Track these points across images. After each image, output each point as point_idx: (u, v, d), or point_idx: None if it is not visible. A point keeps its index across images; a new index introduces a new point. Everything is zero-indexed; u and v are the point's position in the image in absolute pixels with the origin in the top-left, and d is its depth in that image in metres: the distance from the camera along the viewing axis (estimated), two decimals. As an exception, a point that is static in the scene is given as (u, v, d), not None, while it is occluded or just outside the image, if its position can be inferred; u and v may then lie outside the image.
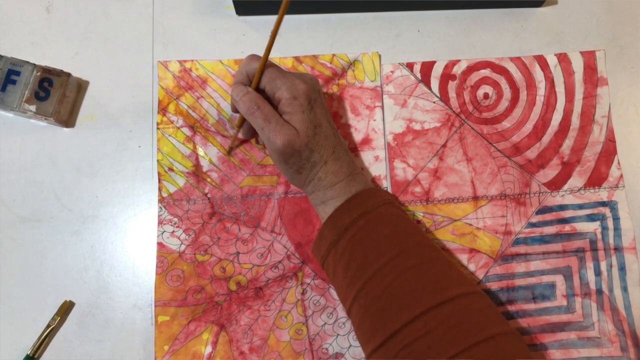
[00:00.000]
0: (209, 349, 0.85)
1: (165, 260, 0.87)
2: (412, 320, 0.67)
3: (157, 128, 0.92)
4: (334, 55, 0.95)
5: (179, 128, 0.92)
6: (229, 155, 0.91)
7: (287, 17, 0.95)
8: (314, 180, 0.80)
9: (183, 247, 0.88)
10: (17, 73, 0.87)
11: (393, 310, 0.69)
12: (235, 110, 0.87)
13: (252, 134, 0.91)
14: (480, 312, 0.70)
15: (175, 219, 0.89)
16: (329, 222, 0.78)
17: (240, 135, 0.90)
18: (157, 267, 0.87)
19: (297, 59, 0.95)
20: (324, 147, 0.78)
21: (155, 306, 0.86)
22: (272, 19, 0.86)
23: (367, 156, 0.92)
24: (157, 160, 0.91)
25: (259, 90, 0.80)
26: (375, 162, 0.91)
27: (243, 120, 0.86)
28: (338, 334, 0.86)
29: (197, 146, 0.92)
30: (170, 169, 0.91)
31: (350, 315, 0.75)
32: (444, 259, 0.75)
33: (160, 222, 0.89)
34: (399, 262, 0.71)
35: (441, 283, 0.71)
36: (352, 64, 0.95)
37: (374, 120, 0.93)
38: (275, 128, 0.75)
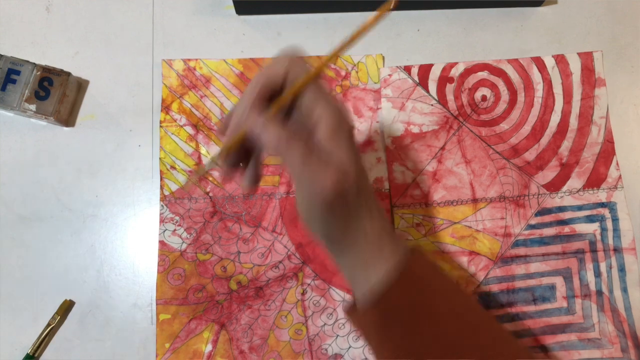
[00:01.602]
0: (209, 347, 0.83)
1: (167, 258, 0.86)
2: None
3: (160, 126, 0.90)
4: (338, 56, 0.91)
5: (182, 126, 0.90)
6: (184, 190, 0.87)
7: (286, 17, 0.94)
8: (359, 235, 0.60)
9: (184, 245, 0.86)
10: (17, 72, 0.85)
11: None
12: (224, 133, 0.63)
13: (235, 168, 0.64)
14: None
15: (177, 218, 0.87)
16: (381, 302, 0.59)
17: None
18: (158, 265, 0.85)
19: (301, 59, 0.91)
20: (367, 189, 0.60)
21: (156, 304, 0.84)
22: (272, 18, 0.85)
23: (369, 158, 0.90)
24: (160, 158, 0.89)
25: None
26: (377, 164, 0.90)
27: (237, 145, 0.60)
28: (337, 335, 0.84)
29: (200, 145, 0.90)
30: (173, 167, 0.89)
31: None
32: (497, 326, 0.65)
33: (161, 221, 0.87)
34: (457, 337, 0.59)
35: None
36: (355, 65, 0.93)
37: (377, 122, 0.91)
38: (319, 167, 0.55)
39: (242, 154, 0.62)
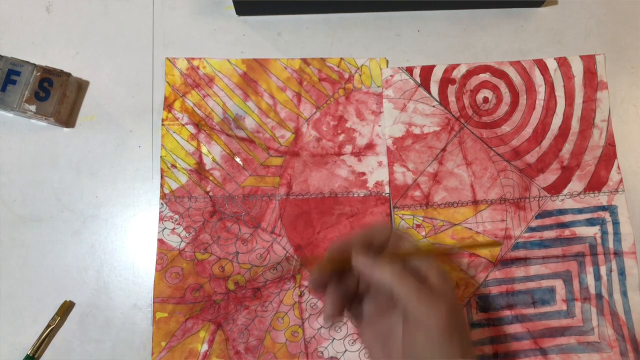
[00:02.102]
0: (205, 347, 0.83)
1: (165, 257, 0.85)
2: None
3: (162, 124, 0.89)
4: (341, 59, 0.92)
5: (183, 125, 0.89)
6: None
7: (287, 17, 0.93)
8: None
9: (183, 244, 0.85)
10: (17, 73, 0.84)
11: None
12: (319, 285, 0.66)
13: (322, 290, 0.67)
14: None
15: (177, 216, 0.86)
16: None
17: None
18: (156, 263, 0.85)
19: (304, 61, 0.92)
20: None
21: (153, 302, 0.83)
22: (272, 18, 0.85)
23: (370, 161, 0.89)
24: (161, 157, 0.88)
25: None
26: (378, 168, 0.89)
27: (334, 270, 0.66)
28: (334, 338, 0.83)
29: (201, 144, 0.89)
30: (173, 166, 0.88)
31: None
32: None
33: (161, 219, 0.86)
34: None
35: None
36: (359, 68, 0.92)
37: (379, 125, 0.90)
38: (432, 299, 0.59)
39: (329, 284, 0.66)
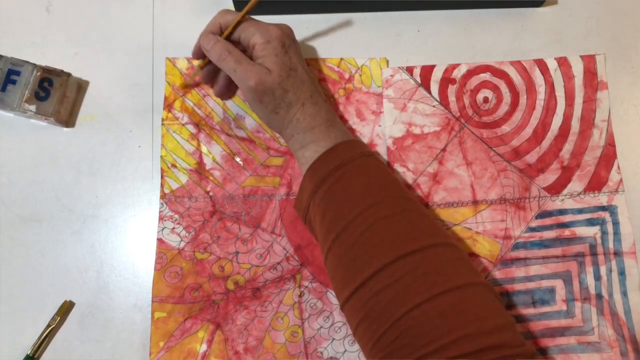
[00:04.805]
0: (204, 347, 0.82)
1: (165, 256, 0.84)
2: (380, 269, 0.66)
3: (162, 124, 0.89)
4: (341, 59, 0.92)
5: (183, 125, 0.89)
6: (185, 87, 0.91)
7: (287, 17, 0.92)
8: (293, 122, 0.78)
9: (183, 244, 0.85)
10: (17, 73, 0.84)
11: (364, 260, 0.68)
12: (198, 56, 0.85)
13: (210, 79, 0.87)
14: (450, 263, 0.68)
15: (176, 216, 0.86)
16: (308, 173, 0.76)
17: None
18: (155, 263, 0.84)
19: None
20: (300, 90, 0.78)
21: (152, 302, 0.83)
22: (272, 19, 0.83)
23: None
24: (161, 157, 0.88)
25: (232, 41, 0.81)
26: None
27: (207, 63, 0.84)
28: (333, 338, 0.83)
29: (201, 144, 0.89)
30: (174, 166, 0.88)
31: (326, 265, 0.74)
32: (418, 211, 0.72)
33: (161, 219, 0.86)
34: (371, 212, 0.69)
35: (412, 233, 0.69)
36: (359, 68, 0.92)
37: (379, 125, 0.90)
38: (247, 68, 0.76)
39: (212, 72, 0.85)
